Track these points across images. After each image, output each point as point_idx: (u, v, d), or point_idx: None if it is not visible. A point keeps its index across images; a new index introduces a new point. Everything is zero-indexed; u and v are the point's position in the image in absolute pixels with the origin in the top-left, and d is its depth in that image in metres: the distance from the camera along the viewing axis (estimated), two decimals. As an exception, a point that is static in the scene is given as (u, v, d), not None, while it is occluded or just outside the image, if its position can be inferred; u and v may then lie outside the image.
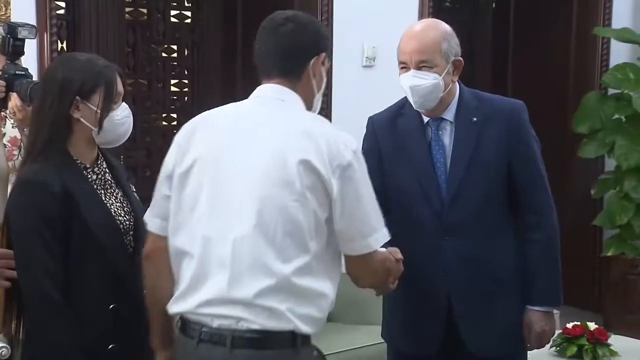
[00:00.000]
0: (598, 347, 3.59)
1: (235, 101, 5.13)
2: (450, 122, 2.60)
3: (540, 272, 2.61)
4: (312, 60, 2.09)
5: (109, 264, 2.19)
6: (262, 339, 1.95)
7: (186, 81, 5.03)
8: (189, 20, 4.99)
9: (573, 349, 3.59)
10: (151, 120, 4.95)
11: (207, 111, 2.15)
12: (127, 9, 4.75)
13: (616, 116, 5.39)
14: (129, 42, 4.77)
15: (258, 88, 2.13)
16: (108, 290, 2.19)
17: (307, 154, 1.96)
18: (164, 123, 5.01)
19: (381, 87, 4.46)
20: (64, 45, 4.40)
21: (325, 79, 2.15)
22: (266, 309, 1.94)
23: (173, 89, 5.01)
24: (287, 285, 1.95)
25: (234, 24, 5.01)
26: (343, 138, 2.02)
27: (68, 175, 2.19)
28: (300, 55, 2.09)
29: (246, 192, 1.97)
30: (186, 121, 5.37)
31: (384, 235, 2.09)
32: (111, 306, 2.18)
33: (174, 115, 5.03)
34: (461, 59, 2.59)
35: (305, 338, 2.00)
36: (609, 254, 5.34)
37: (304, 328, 1.98)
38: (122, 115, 2.26)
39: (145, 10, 4.85)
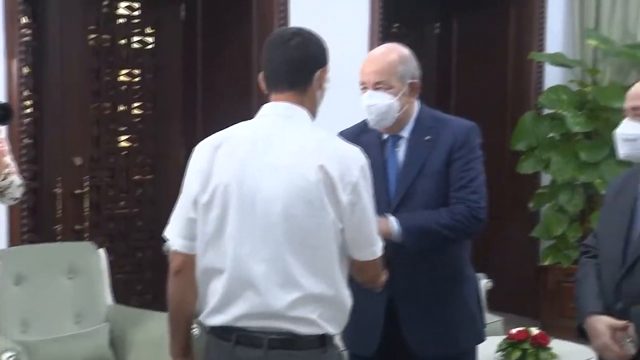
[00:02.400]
0: (540, 350, 3.67)
1: (196, 123, 5.13)
2: (407, 139, 2.63)
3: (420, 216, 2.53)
4: (318, 72, 2.14)
5: None
6: (295, 341, 2.05)
7: (148, 104, 4.99)
8: (151, 46, 4.96)
9: (517, 353, 3.66)
10: (114, 141, 4.90)
11: (222, 133, 2.15)
12: (91, 36, 4.70)
13: (551, 134, 5.50)
14: (93, 67, 4.72)
15: (266, 106, 2.15)
16: None
17: (323, 163, 2.02)
18: (127, 144, 4.96)
19: (330, 111, 4.44)
20: (30, 70, 4.33)
21: (326, 91, 2.19)
22: (299, 319, 2.04)
23: (136, 111, 4.96)
24: (316, 296, 2.04)
25: (194, 49, 5.00)
26: (352, 154, 2.09)
27: None
28: (307, 67, 2.12)
29: (271, 213, 2.03)
30: (149, 142, 5.32)
31: (381, 242, 2.19)
32: None
33: (137, 136, 4.98)
34: (417, 81, 2.62)
35: (332, 338, 2.12)
36: (546, 263, 5.42)
37: (332, 330, 2.09)
38: None
39: (108, 37, 4.80)
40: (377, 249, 2.16)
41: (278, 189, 2.03)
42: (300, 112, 2.12)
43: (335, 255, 2.07)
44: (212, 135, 2.16)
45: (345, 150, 2.09)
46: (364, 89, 2.60)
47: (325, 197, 2.02)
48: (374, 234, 2.14)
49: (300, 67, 2.11)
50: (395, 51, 2.62)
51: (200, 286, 2.14)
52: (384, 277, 2.33)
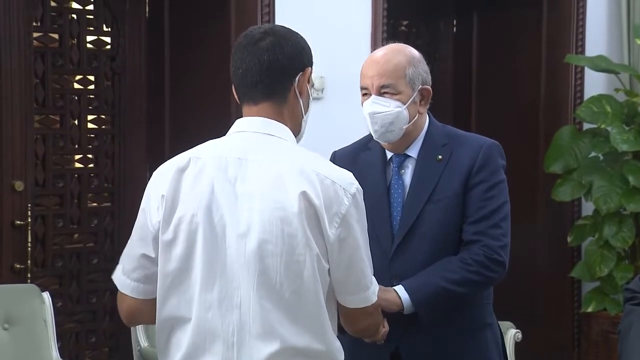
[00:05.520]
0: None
1: (163, 140, 5.11)
2: (415, 159, 2.67)
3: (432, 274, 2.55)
4: (298, 77, 2.16)
5: None
6: None
7: (106, 116, 4.97)
8: (108, 47, 4.96)
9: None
10: (64, 162, 4.86)
11: (189, 152, 2.15)
12: (35, 34, 4.69)
13: (593, 154, 5.50)
14: (38, 72, 4.70)
15: (239, 121, 2.17)
16: None
17: (305, 190, 2.02)
18: (80, 165, 4.92)
19: (331, 121, 4.46)
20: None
21: (311, 99, 2.21)
22: None
23: (90, 125, 4.93)
24: (299, 350, 2.04)
25: (160, 50, 5.01)
26: (341, 179, 2.08)
27: None
28: (284, 72, 2.14)
29: (246, 251, 2.03)
30: (106, 163, 5.28)
31: (377, 285, 2.20)
32: None
33: (92, 156, 4.95)
34: (429, 88, 2.67)
35: None
36: (589, 310, 5.40)
37: None
38: None
39: (56, 36, 4.79)
40: (371, 293, 2.16)
41: (252, 222, 2.03)
42: (280, 129, 2.13)
43: (322, 301, 2.06)
44: (176, 156, 2.17)
45: (333, 174, 2.08)
46: (365, 94, 2.64)
47: (308, 231, 2.02)
48: (367, 276, 2.14)
49: (275, 74, 2.13)
50: (403, 52, 2.67)
51: (160, 337, 2.15)
52: (383, 329, 2.31)
